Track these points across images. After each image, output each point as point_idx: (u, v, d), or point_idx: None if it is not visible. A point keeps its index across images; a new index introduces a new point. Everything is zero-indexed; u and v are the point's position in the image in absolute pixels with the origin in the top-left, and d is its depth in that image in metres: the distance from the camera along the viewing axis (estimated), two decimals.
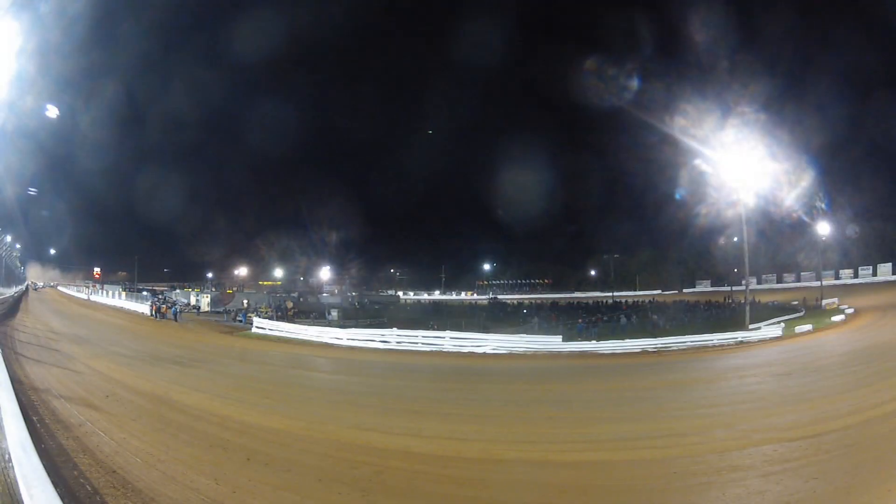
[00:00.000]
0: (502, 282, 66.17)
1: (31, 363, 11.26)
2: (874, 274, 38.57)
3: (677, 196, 31.65)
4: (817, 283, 37.12)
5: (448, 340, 20.89)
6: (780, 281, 44.65)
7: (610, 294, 53.09)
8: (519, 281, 65.25)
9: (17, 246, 34.53)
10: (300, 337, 23.01)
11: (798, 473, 5.54)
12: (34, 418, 6.89)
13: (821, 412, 8.32)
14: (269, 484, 5.40)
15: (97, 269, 39.47)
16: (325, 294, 45.30)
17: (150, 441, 6.51)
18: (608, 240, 50.93)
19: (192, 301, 39.42)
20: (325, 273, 46.79)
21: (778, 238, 36.17)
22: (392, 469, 6.02)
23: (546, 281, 63.38)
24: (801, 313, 31.67)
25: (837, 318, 26.56)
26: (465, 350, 20.47)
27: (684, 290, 51.05)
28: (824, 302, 33.13)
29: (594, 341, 23.25)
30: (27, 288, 34.22)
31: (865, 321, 24.88)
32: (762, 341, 22.35)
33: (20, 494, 3.25)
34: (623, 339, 23.16)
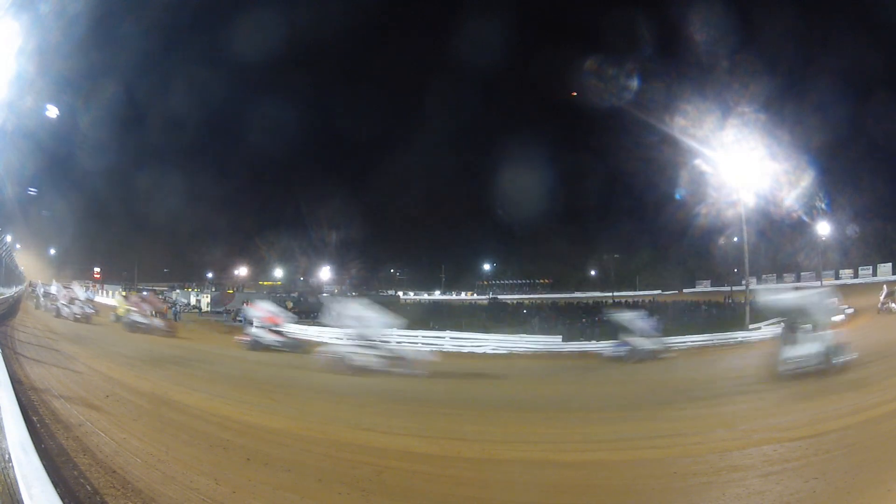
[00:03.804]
0: (502, 282, 66.03)
1: (31, 363, 11.26)
2: (874, 274, 38.52)
3: (677, 196, 31.53)
4: (817, 283, 37.08)
5: (448, 340, 20.90)
6: (780, 281, 44.63)
7: (610, 294, 53.07)
8: (519, 281, 65.14)
9: (18, 246, 34.48)
10: (300, 337, 22.98)
11: (798, 473, 5.54)
12: (34, 418, 6.89)
13: (821, 412, 8.32)
14: (269, 484, 5.40)
15: (97, 269, 39.42)
16: (325, 294, 45.25)
17: (150, 441, 6.51)
18: (608, 240, 50.77)
19: (193, 301, 39.38)
20: (325, 273, 46.75)
21: (778, 238, 36.12)
22: (392, 469, 6.02)
23: (546, 281, 63.27)
24: None
25: (837, 318, 26.53)
26: (465, 350, 20.48)
27: (684, 291, 51.00)
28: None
29: (594, 341, 23.23)
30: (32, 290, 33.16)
31: (865, 321, 24.86)
32: (762, 341, 22.33)
33: (20, 494, 3.25)
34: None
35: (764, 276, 44.85)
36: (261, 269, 47.89)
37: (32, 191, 26.34)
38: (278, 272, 48.29)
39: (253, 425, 7.74)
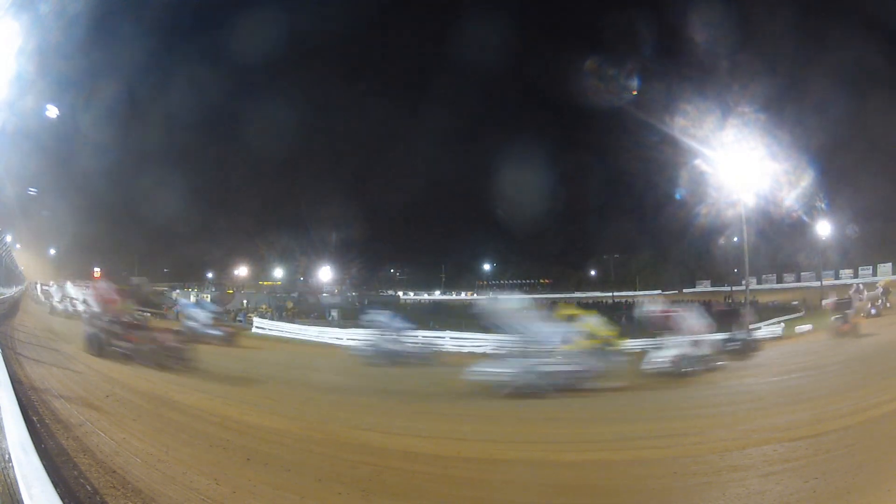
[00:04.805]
0: (502, 282, 66.01)
1: (31, 363, 11.25)
2: (874, 274, 38.45)
3: (677, 196, 31.52)
4: (817, 283, 37.07)
5: (448, 340, 20.90)
6: (780, 281, 44.57)
7: (610, 294, 53.09)
8: (519, 281, 65.16)
9: (18, 246, 34.51)
10: (300, 337, 23.02)
11: (798, 473, 5.54)
12: (34, 418, 6.88)
13: (821, 412, 8.32)
14: (269, 484, 5.40)
15: (97, 269, 39.40)
16: (325, 294, 45.28)
17: (150, 441, 6.51)
18: (608, 240, 50.77)
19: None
20: (325, 273, 46.72)
21: (778, 238, 36.11)
22: (392, 469, 6.03)
23: (546, 281, 63.28)
24: (801, 313, 31.64)
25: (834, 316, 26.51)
26: (465, 350, 20.47)
27: (684, 291, 51.00)
28: (824, 302, 33.07)
29: None
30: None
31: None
32: (762, 341, 22.32)
33: (20, 494, 3.25)
34: (623, 339, 23.12)
35: (764, 276, 44.86)
36: (261, 269, 47.90)
37: (32, 191, 26.30)
38: (278, 272, 48.29)
39: (253, 425, 7.74)
